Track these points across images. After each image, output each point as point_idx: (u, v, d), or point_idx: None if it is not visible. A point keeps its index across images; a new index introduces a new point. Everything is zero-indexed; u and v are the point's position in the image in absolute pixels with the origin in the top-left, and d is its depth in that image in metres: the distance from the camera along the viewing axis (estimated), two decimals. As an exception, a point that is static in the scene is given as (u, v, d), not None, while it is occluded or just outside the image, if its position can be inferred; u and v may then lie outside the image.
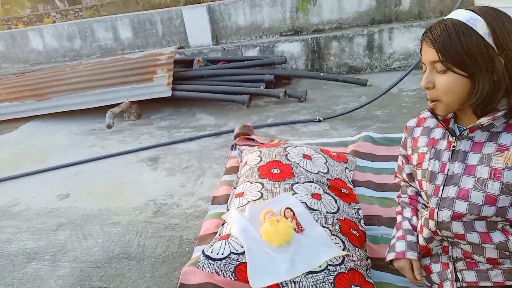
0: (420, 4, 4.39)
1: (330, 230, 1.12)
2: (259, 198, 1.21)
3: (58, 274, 1.86)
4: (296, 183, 1.27)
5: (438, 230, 1.02)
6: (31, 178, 2.94)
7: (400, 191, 1.23)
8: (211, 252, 1.02)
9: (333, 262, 1.02)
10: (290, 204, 1.13)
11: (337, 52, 4.46)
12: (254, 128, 3.38)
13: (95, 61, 4.66)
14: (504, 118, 0.92)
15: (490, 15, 0.86)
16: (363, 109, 3.44)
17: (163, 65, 4.05)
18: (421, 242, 1.07)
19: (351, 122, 3.26)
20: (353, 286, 1.01)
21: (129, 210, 2.34)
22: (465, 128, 0.98)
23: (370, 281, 1.06)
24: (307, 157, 1.44)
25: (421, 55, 0.98)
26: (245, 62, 4.29)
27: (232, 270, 1.00)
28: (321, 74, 4.15)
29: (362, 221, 1.29)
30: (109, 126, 3.49)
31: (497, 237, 0.97)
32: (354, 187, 1.51)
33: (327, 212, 1.18)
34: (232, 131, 2.94)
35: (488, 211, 0.93)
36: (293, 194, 1.20)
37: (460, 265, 1.02)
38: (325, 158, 1.50)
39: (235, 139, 1.90)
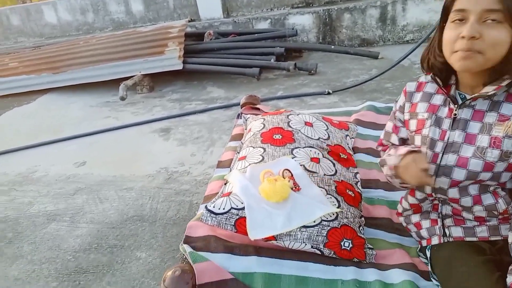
0: (436, -26, 4.27)
1: (326, 190, 1.18)
2: (260, 161, 1.28)
3: (76, 234, 2.00)
4: (296, 147, 1.34)
5: (433, 194, 1.06)
6: (49, 147, 3.08)
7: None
8: (213, 207, 1.10)
9: (327, 218, 1.10)
10: (289, 166, 1.20)
11: (349, 25, 4.40)
12: (264, 100, 3.43)
13: (107, 34, 4.71)
14: (505, 87, 0.92)
15: None
16: (373, 81, 3.44)
17: (174, 38, 4.08)
18: (413, 201, 1.13)
19: (361, 95, 3.27)
20: (344, 240, 1.08)
21: (142, 177, 2.45)
22: (469, 96, 0.97)
23: (362, 236, 1.13)
24: (308, 124, 1.49)
25: (449, 1, 0.91)
26: (256, 35, 4.28)
27: (233, 223, 1.08)
28: (332, 47, 4.13)
29: (359, 183, 1.35)
30: (122, 98, 3.58)
31: (488, 199, 1.01)
32: (354, 153, 1.56)
33: (324, 174, 1.25)
34: (242, 103, 3.00)
35: (484, 176, 0.96)
36: (292, 158, 1.27)
37: (448, 221, 1.07)
38: (326, 125, 1.55)
39: (241, 108, 1.97)
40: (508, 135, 0.92)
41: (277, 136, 1.38)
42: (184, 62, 3.92)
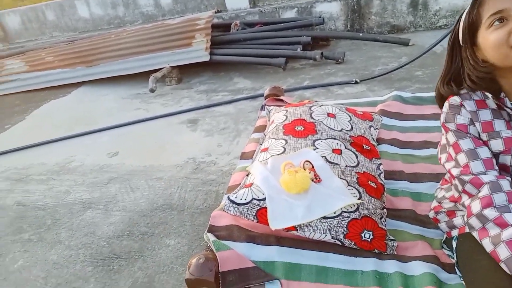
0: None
1: (347, 181, 1.19)
2: (282, 152, 1.30)
3: (110, 221, 2.10)
4: (318, 139, 1.34)
5: None
6: (84, 138, 3.22)
7: (458, 188, 0.97)
8: (235, 197, 1.14)
9: (348, 209, 1.10)
10: (310, 158, 1.21)
11: (379, 11, 4.28)
12: (290, 90, 3.42)
13: (137, 27, 4.82)
14: None
15: None
16: (403, 69, 3.35)
17: (201, 30, 4.12)
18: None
19: (389, 84, 3.20)
20: (365, 231, 1.09)
21: (171, 167, 2.53)
22: None
23: (383, 227, 1.13)
24: (331, 115, 1.49)
25: (474, 15, 0.89)
26: (282, 24, 4.25)
27: (254, 213, 1.11)
28: (360, 34, 4.04)
29: (382, 175, 1.35)
30: (152, 90, 3.67)
31: None
32: (378, 144, 1.55)
33: (346, 166, 1.25)
34: (268, 94, 3.02)
35: None
36: (314, 149, 1.28)
37: None
38: (350, 116, 1.54)
39: (265, 100, 1.98)
40: None
41: (299, 128, 1.39)
42: (211, 54, 3.96)
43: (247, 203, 1.11)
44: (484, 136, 0.98)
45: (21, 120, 3.88)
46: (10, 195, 2.54)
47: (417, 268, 1.02)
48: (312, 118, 1.44)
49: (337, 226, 1.07)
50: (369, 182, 1.22)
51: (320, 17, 4.26)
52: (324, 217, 1.07)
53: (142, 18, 5.45)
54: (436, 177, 1.35)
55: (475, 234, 0.93)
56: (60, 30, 5.93)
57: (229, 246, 1.05)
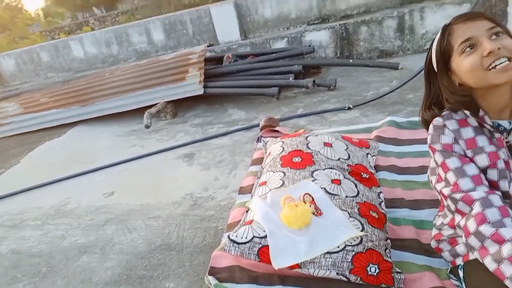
0: (453, -21, 4.21)
1: (348, 213, 1.16)
2: (281, 185, 1.27)
3: (107, 266, 2.03)
4: (316, 170, 1.32)
5: None
6: (80, 179, 3.18)
7: (452, 207, 0.97)
8: (236, 236, 1.10)
9: (351, 243, 1.07)
10: (309, 190, 1.19)
11: (367, 37, 4.38)
12: (284, 119, 3.44)
13: (131, 64, 4.89)
14: None
15: None
16: (394, 93, 3.38)
17: (194, 64, 4.18)
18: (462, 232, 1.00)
19: (382, 108, 3.22)
20: (371, 265, 1.05)
21: (168, 204, 2.48)
22: (504, 121, 0.99)
23: (389, 260, 1.09)
24: (327, 144, 1.48)
25: (445, 44, 0.96)
26: (273, 54, 4.33)
27: (256, 252, 1.08)
28: (350, 61, 4.11)
29: (383, 203, 1.32)
30: (147, 126, 3.67)
31: None
32: (376, 171, 1.53)
33: (346, 196, 1.23)
34: (263, 124, 3.01)
35: None
36: (313, 181, 1.26)
37: None
38: (346, 144, 1.53)
39: (261, 131, 1.97)
40: None
41: (297, 159, 1.38)
42: (205, 87, 4.01)
43: (248, 242, 1.07)
44: (469, 153, 1.01)
45: (15, 164, 3.85)
46: (4, 243, 2.47)
47: (427, 303, 0.98)
48: (309, 148, 1.42)
49: (341, 261, 1.04)
50: (371, 212, 1.19)
51: (310, 45, 4.35)
52: (328, 252, 1.04)
53: (136, 55, 5.54)
54: (437, 203, 1.32)
55: (476, 254, 0.92)
56: (54, 70, 6.00)
57: (231, 290, 1.00)
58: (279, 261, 1.02)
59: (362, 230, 1.11)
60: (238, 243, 1.08)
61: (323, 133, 1.60)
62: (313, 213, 1.12)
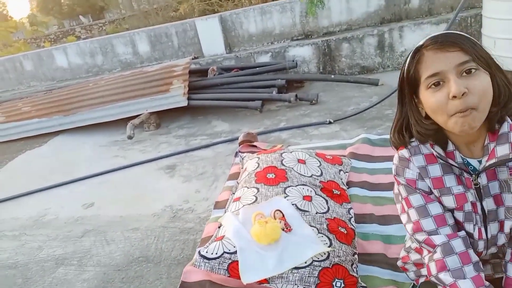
0: (430, 0, 4.37)
1: (317, 229, 1.20)
2: (254, 201, 1.31)
3: (83, 278, 2.03)
4: (289, 186, 1.37)
5: None
6: (60, 189, 3.16)
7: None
8: (206, 252, 1.13)
9: (318, 258, 1.11)
10: (281, 207, 1.23)
11: (348, 53, 4.49)
12: (267, 132, 3.49)
13: (116, 75, 4.89)
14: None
15: None
16: (374, 109, 3.48)
17: (178, 76, 4.22)
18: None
19: (362, 123, 3.30)
20: (336, 280, 1.09)
21: (148, 216, 2.49)
22: (487, 162, 0.90)
23: (354, 274, 1.14)
24: (301, 161, 1.53)
25: (413, 72, 0.88)
26: (257, 68, 4.40)
27: (226, 268, 1.11)
28: (332, 76, 4.21)
29: (352, 219, 1.37)
30: (129, 137, 3.67)
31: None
32: (349, 187, 1.58)
33: (316, 213, 1.27)
34: (245, 137, 3.06)
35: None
36: (285, 197, 1.30)
37: None
38: (319, 161, 1.58)
39: (239, 146, 2.02)
40: None
41: (271, 175, 1.42)
42: (189, 99, 4.04)
43: (218, 257, 1.10)
44: (436, 192, 0.96)
45: (-5, 173, 3.79)
46: (-21, 254, 2.44)
47: (387, 316, 1.02)
48: (283, 165, 1.47)
49: (308, 276, 1.08)
50: (339, 228, 1.24)
51: (293, 60, 4.44)
52: (296, 268, 1.08)
53: (120, 65, 5.54)
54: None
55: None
56: (38, 79, 5.95)
57: (200, 304, 1.03)
58: (248, 276, 1.06)
59: (329, 246, 1.15)
60: (208, 259, 1.11)
61: (298, 149, 1.65)
62: (283, 229, 1.16)
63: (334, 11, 4.65)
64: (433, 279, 0.95)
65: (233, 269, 1.09)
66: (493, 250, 0.99)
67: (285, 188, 1.36)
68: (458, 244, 0.92)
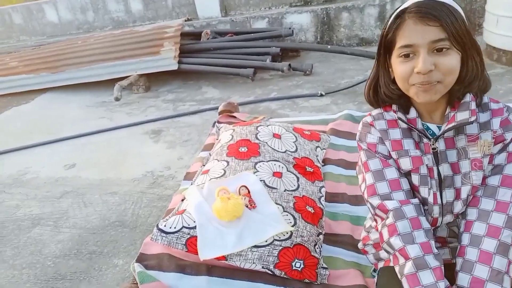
0: (437, -29, 4.17)
1: (283, 207, 1.17)
2: (222, 175, 1.27)
3: (58, 239, 2.02)
4: (260, 161, 1.32)
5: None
6: (42, 148, 3.11)
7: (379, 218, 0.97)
8: (165, 226, 1.10)
9: (280, 237, 1.08)
10: (248, 182, 1.19)
11: (348, 24, 4.34)
12: (256, 102, 3.42)
13: (106, 33, 4.73)
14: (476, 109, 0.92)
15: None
16: (367, 83, 3.40)
17: (170, 38, 4.07)
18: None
19: (353, 97, 3.23)
20: (296, 260, 1.07)
21: (128, 180, 2.46)
22: (433, 126, 0.96)
23: (316, 255, 1.11)
24: (276, 136, 1.48)
25: (391, 36, 0.87)
26: (253, 34, 4.25)
27: (184, 242, 1.08)
28: (329, 47, 4.08)
29: (322, 198, 1.34)
30: (116, 99, 3.59)
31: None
32: (324, 165, 1.54)
33: (285, 190, 1.23)
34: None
35: (468, 198, 0.97)
36: (254, 173, 1.26)
37: None
38: (296, 137, 1.53)
39: (218, 115, 1.96)
40: (485, 154, 0.92)
41: (243, 149, 1.37)
42: (179, 62, 3.92)
43: (176, 232, 1.07)
44: (394, 154, 0.99)
45: (-21, 128, 3.73)
46: (-44, 210, 2.42)
47: (344, 301, 1.00)
48: (257, 138, 1.42)
49: (267, 256, 1.05)
50: (307, 207, 1.20)
51: (290, 28, 4.28)
52: (255, 246, 1.05)
53: (112, 23, 5.35)
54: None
55: (391, 258, 0.96)
56: (27, 34, 5.76)
57: (156, 278, 1.01)
58: (206, 253, 1.03)
59: (293, 225, 1.12)
60: (166, 233, 1.08)
61: (276, 123, 1.59)
62: (247, 206, 1.12)
63: (336, -23, 4.45)
64: (385, 246, 0.97)
65: (191, 244, 1.07)
66: (449, 218, 1.00)
67: (256, 163, 1.31)
68: (409, 210, 0.95)
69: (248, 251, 1.04)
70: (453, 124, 0.91)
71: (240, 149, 1.37)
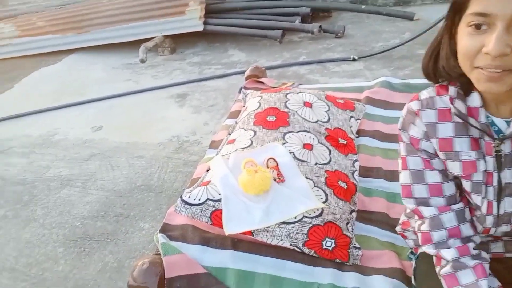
0: None
1: (314, 181, 1.10)
2: (249, 146, 1.20)
3: (86, 200, 2.05)
4: (289, 132, 1.24)
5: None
6: (70, 110, 3.13)
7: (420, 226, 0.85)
8: (189, 197, 1.06)
9: (310, 214, 1.02)
10: (276, 154, 1.12)
11: (385, -19, 4.03)
12: (284, 66, 3.28)
13: (131, -8, 4.60)
14: None
15: None
16: (404, 47, 3.18)
17: (196, -3, 3.91)
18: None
19: (389, 62, 3.05)
20: (327, 239, 1.01)
21: (154, 145, 2.45)
22: (502, 122, 0.76)
23: (349, 234, 1.05)
24: (307, 104, 1.38)
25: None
26: (282, -7, 4.03)
27: (208, 215, 1.04)
28: (363, 6, 3.83)
29: (356, 173, 1.25)
30: (142, 61, 3.54)
31: None
32: (358, 136, 1.44)
33: (316, 163, 1.16)
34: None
35: None
36: (283, 144, 1.18)
37: None
38: (328, 106, 1.42)
39: (245, 81, 1.86)
40: None
41: (271, 118, 1.29)
42: (205, 23, 3.79)
43: (201, 204, 1.03)
44: (441, 155, 0.83)
45: (9, 88, 3.78)
46: (-10, 168, 2.49)
47: (378, 284, 0.94)
48: (286, 107, 1.33)
49: (296, 233, 1.00)
50: (339, 182, 1.13)
51: (322, -14, 4.03)
52: (283, 222, 1.00)
53: (138, -19, 5.19)
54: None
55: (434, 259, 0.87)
56: (54, -8, 5.70)
57: (180, 250, 0.98)
58: (231, 227, 0.99)
59: (324, 202, 1.06)
60: (190, 204, 1.04)
61: (307, 90, 1.49)
62: (275, 179, 1.06)
63: None
64: (421, 248, 0.90)
65: (216, 218, 1.03)
66: (505, 228, 0.85)
67: (285, 134, 1.23)
68: (449, 219, 0.81)
69: (276, 227, 0.99)
70: None
71: (268, 118, 1.29)
